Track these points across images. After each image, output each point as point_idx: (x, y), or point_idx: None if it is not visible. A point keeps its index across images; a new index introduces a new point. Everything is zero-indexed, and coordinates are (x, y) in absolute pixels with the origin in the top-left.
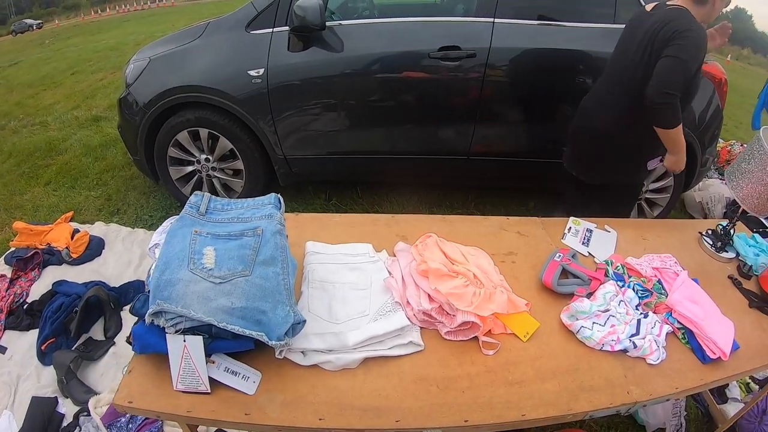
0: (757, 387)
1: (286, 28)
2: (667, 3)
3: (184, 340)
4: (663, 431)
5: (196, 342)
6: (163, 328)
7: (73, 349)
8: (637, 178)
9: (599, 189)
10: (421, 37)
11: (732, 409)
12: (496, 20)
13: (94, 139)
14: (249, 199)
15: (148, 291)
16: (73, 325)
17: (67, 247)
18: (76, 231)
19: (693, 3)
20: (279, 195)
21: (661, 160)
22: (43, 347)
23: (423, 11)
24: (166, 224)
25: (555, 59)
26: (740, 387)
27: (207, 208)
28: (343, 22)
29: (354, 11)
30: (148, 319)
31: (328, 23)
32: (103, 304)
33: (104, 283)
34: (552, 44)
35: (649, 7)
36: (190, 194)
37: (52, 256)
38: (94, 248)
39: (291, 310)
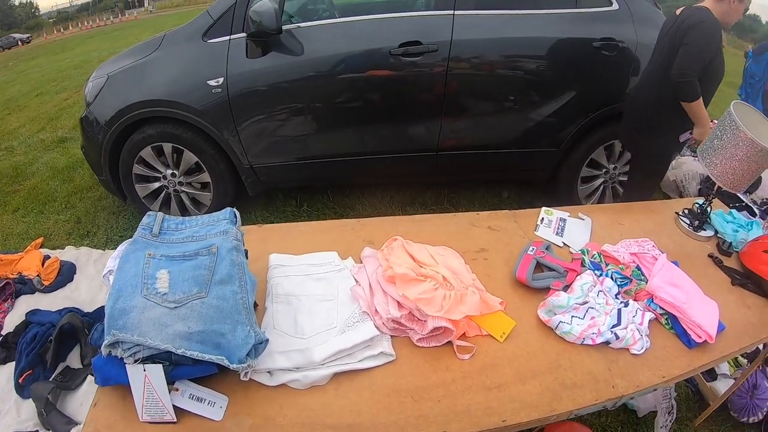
0: (746, 361)
1: (243, 34)
2: (693, 5)
3: (144, 370)
4: (655, 414)
5: (157, 371)
6: (122, 358)
7: (50, 379)
8: (672, 149)
9: (638, 159)
10: (381, 35)
11: (722, 386)
12: (456, 12)
13: (61, 161)
14: (204, 215)
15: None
16: (48, 355)
17: (38, 275)
18: (47, 257)
19: (713, 0)
20: (234, 209)
21: (691, 133)
22: (20, 380)
23: (383, 8)
24: (121, 248)
25: (519, 48)
26: (729, 363)
27: (161, 229)
28: (301, 25)
29: (314, 13)
30: (104, 351)
31: (285, 27)
32: (78, 331)
33: (78, 309)
34: (515, 33)
35: (678, 11)
36: (159, 211)
37: (24, 286)
38: (66, 274)
39: (251, 330)
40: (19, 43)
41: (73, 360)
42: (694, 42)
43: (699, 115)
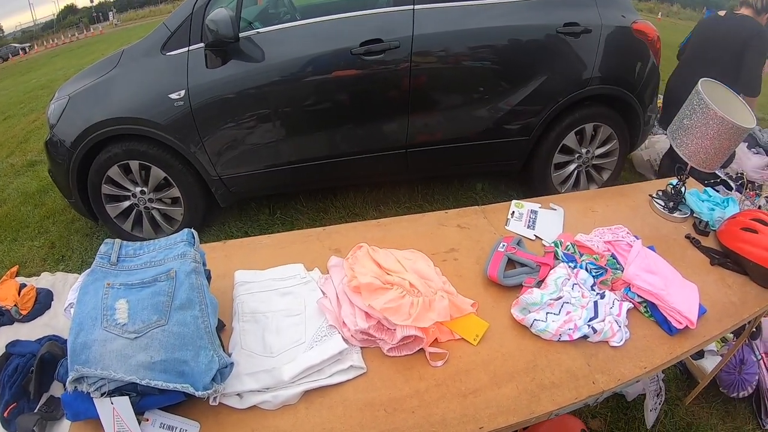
0: (733, 336)
1: (202, 44)
2: (734, 11)
3: (112, 403)
4: (644, 397)
5: (124, 403)
6: (89, 393)
7: (35, 411)
8: None
9: None
10: (342, 35)
11: (710, 364)
12: (416, 7)
13: (32, 186)
14: (161, 239)
15: None
16: (31, 386)
17: (15, 305)
18: (23, 286)
19: (753, 12)
20: (192, 230)
21: None
22: (5, 414)
23: (345, 7)
24: (81, 279)
25: (482, 38)
26: (715, 340)
27: (118, 256)
28: (261, 30)
29: (275, 17)
30: (69, 387)
31: (243, 33)
32: (58, 359)
33: (57, 336)
34: (477, 23)
35: (722, 13)
36: (132, 230)
37: (2, 317)
38: (43, 301)
39: (215, 354)
40: (21, 51)
41: (57, 389)
42: (756, 49)
43: (754, 104)
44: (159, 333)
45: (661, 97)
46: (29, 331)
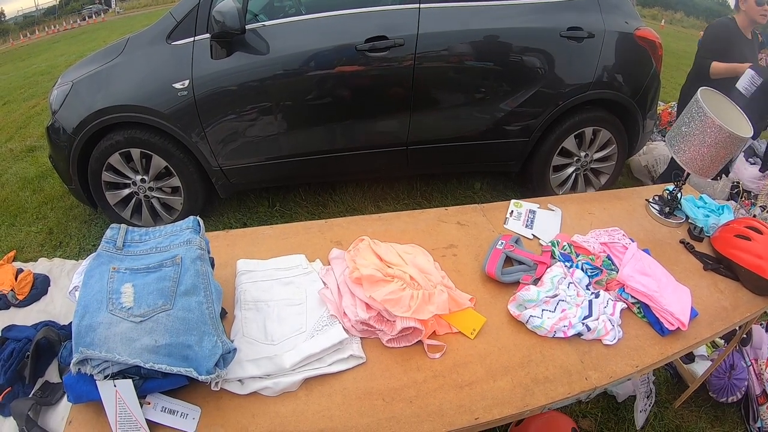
0: (723, 342)
1: (208, 35)
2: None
3: (115, 385)
4: (634, 398)
5: (127, 386)
6: (92, 375)
7: (30, 395)
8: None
9: None
10: (347, 31)
11: (700, 368)
12: (422, 5)
13: (30, 171)
14: (167, 225)
15: None
16: (26, 371)
17: (12, 289)
18: (20, 271)
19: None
20: (198, 217)
21: None
22: (0, 398)
23: (350, 3)
24: (86, 263)
25: (486, 39)
26: (706, 344)
27: (124, 241)
28: (266, 23)
29: (280, 10)
30: (74, 369)
31: (249, 26)
32: (54, 344)
33: (54, 322)
34: (481, 24)
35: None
36: (131, 217)
37: None
38: (40, 287)
39: (218, 340)
40: (101, 13)
41: (52, 374)
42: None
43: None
44: (164, 317)
45: (662, 104)
46: (25, 316)
